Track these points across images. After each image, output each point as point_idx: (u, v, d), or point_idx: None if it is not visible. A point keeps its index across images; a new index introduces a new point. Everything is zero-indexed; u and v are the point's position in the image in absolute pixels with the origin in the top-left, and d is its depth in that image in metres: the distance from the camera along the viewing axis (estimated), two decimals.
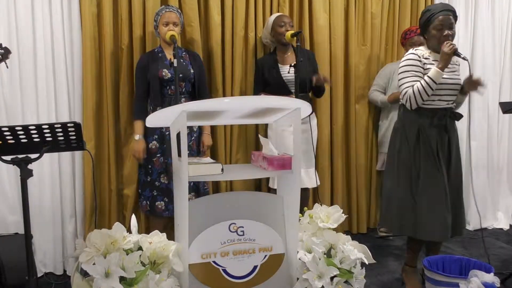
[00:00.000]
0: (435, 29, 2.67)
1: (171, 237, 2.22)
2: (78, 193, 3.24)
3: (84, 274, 1.98)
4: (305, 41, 3.66)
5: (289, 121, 2.35)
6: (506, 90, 4.35)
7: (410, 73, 2.68)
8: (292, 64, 3.23)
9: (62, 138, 1.91)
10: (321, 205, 2.43)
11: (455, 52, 2.60)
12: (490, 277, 2.30)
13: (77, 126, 1.88)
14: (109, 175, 3.30)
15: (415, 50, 2.74)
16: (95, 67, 3.21)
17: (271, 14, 3.61)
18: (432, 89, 2.61)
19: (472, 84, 2.69)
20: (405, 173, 2.73)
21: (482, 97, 4.23)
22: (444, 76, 2.63)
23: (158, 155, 3.07)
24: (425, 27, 2.73)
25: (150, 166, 3.08)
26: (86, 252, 1.99)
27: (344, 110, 3.92)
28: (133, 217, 2.23)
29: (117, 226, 2.09)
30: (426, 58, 2.69)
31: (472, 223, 4.26)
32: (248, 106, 2.19)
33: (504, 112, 3.14)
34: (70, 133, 1.90)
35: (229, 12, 3.49)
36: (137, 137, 3.07)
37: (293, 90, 3.27)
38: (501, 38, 4.31)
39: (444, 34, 2.64)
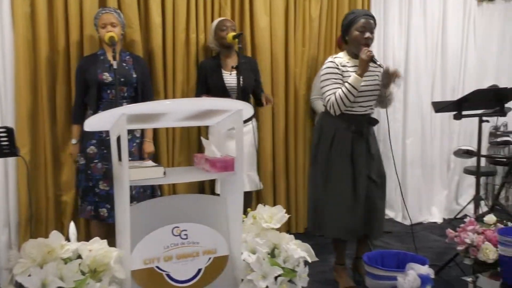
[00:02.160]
0: (357, 30, 2.79)
1: (113, 244, 2.17)
2: (11, 201, 3.09)
3: (19, 286, 1.90)
4: (246, 43, 3.69)
5: (231, 123, 2.35)
6: (438, 90, 4.58)
7: (330, 80, 2.81)
8: (234, 66, 3.24)
9: None
10: (264, 205, 2.46)
11: (372, 59, 2.72)
12: (425, 269, 2.41)
13: (9, 131, 1.82)
14: (46, 182, 3.17)
15: (334, 58, 2.86)
16: (29, 70, 3.08)
17: (212, 16, 3.61)
18: (354, 95, 2.73)
19: (389, 76, 2.78)
20: (321, 173, 2.88)
21: (416, 96, 4.44)
22: (362, 83, 2.75)
23: (96, 160, 3.00)
24: (348, 28, 2.83)
25: (89, 172, 3.00)
26: (21, 263, 1.91)
27: (285, 112, 3.97)
28: (72, 224, 2.15)
29: (55, 234, 2.01)
30: (344, 66, 2.81)
31: (408, 218, 4.44)
32: (189, 108, 2.18)
33: (436, 111, 3.30)
34: (1, 139, 1.83)
35: (170, 14, 3.45)
36: (73, 141, 3.13)
37: (234, 97, 3.28)
38: (432, 41, 4.53)
39: (365, 36, 2.78)
